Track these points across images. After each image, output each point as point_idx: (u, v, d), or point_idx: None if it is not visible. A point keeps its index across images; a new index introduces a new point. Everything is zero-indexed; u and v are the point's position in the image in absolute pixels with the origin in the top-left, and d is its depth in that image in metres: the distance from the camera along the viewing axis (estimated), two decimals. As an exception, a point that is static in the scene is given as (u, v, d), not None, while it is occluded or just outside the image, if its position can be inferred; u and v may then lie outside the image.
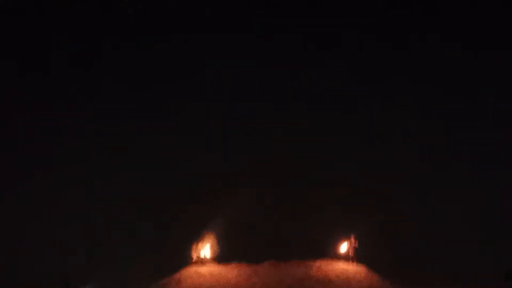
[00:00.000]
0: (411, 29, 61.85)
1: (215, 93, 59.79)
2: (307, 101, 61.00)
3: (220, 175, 54.74)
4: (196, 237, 48.63)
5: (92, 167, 55.74)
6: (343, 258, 48.11)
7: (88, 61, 59.74)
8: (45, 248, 50.42)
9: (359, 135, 59.78)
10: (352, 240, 48.51)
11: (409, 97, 59.81)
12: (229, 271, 47.51)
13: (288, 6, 62.59)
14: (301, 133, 59.59)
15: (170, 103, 59.17)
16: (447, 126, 59.47)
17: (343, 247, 48.44)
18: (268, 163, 56.36)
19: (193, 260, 48.22)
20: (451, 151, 58.94)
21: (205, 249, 48.33)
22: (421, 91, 60.64)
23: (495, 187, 54.65)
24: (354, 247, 48.50)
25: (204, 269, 47.63)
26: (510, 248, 48.39)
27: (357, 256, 48.28)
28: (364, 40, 61.78)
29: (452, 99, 60.15)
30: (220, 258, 48.53)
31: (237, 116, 59.22)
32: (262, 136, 59.02)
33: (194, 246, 48.36)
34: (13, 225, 50.97)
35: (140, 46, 60.83)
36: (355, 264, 47.55)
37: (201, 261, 47.91)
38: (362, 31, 61.30)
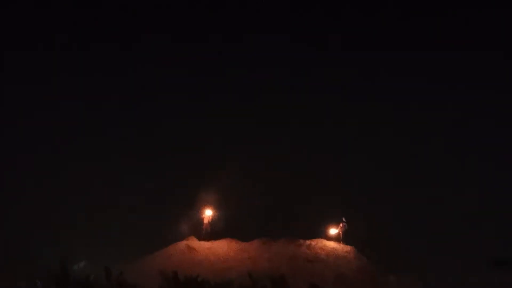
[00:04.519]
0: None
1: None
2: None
3: (217, 151, 55.31)
4: (190, 213, 49.02)
5: (84, 141, 56.26)
6: (333, 239, 48.46)
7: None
8: (40, 228, 50.45)
9: (360, 130, 60.61)
10: (342, 223, 48.83)
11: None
12: (220, 247, 47.74)
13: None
14: (304, 122, 60.30)
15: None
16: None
17: (334, 229, 48.82)
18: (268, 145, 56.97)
19: (200, 232, 48.29)
20: (445, 143, 59.61)
21: (202, 224, 48.60)
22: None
23: (485, 178, 55.20)
24: (344, 230, 48.81)
25: (195, 244, 47.88)
26: (497, 236, 48.69)
27: (345, 238, 48.65)
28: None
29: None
30: (211, 234, 48.85)
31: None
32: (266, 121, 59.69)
33: (189, 222, 48.61)
34: (9, 204, 50.95)
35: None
36: (343, 244, 47.89)
37: (205, 234, 48.06)
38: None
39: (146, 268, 40.75)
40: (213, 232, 48.55)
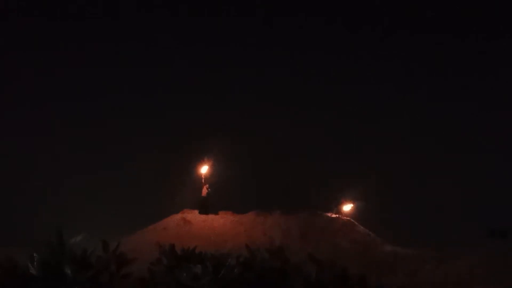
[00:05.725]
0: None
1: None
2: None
3: (210, 121, 54.86)
4: (185, 184, 48.67)
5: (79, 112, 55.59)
6: (329, 212, 48.49)
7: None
8: (37, 200, 49.97)
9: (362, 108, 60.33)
10: (338, 196, 48.93)
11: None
12: (215, 220, 47.67)
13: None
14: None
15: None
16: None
17: (330, 201, 48.92)
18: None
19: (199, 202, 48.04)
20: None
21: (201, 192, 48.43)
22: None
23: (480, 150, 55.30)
24: (340, 202, 48.91)
25: (190, 217, 47.69)
26: (492, 207, 48.94)
27: (342, 211, 48.72)
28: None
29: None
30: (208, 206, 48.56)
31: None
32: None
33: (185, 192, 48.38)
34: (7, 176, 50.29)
35: None
36: (341, 217, 47.96)
37: (204, 204, 47.77)
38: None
39: (143, 241, 40.39)
40: (210, 203, 48.23)
